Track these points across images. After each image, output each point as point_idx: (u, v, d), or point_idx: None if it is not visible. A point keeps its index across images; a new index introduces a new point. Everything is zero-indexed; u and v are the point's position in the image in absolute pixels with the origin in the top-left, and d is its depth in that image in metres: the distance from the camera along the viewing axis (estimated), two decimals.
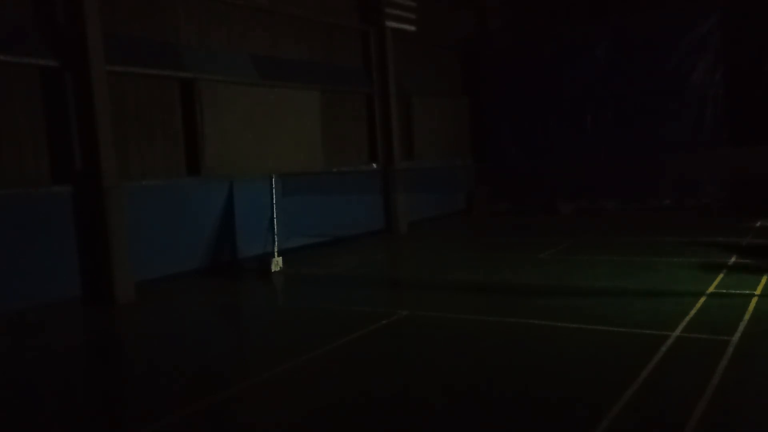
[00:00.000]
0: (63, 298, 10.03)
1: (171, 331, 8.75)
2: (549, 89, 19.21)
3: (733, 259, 10.66)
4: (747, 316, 7.30)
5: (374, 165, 16.94)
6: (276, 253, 12.22)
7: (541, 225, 17.20)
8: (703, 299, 8.22)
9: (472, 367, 6.40)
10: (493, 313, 8.34)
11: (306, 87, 14.66)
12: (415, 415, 5.32)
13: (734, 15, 16.98)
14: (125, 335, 9.10)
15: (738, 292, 8.51)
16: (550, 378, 5.93)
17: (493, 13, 21.48)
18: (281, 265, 12.19)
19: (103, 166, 10.18)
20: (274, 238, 12.27)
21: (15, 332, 8.88)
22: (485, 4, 21.26)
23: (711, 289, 8.73)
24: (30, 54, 9.91)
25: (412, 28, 17.68)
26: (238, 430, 5.43)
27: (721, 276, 9.45)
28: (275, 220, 12.31)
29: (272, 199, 12.30)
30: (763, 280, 8.95)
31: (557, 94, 19.13)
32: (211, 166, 12.36)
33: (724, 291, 8.64)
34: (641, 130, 17.96)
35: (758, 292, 8.42)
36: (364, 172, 16.57)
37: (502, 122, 20.23)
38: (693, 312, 7.64)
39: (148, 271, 10.96)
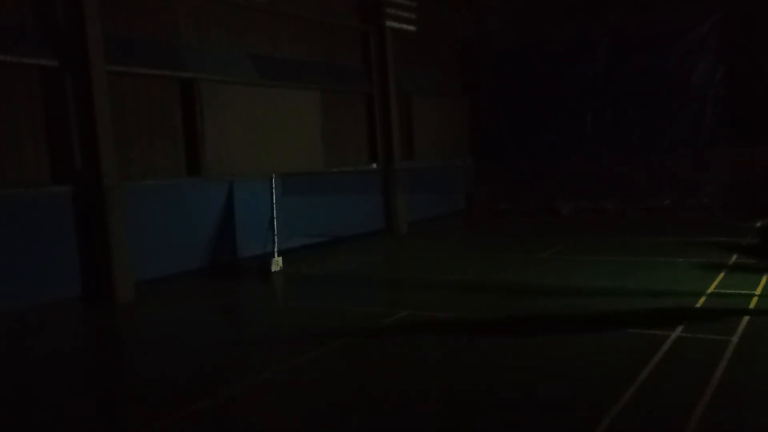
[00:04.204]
0: (63, 298, 10.04)
1: (171, 330, 8.74)
2: (549, 89, 19.20)
3: (733, 259, 10.66)
4: (747, 316, 7.29)
5: (374, 165, 16.94)
6: (276, 253, 12.22)
7: (541, 225, 17.20)
8: (703, 299, 8.22)
9: (472, 367, 6.40)
10: (493, 313, 8.34)
11: (306, 87, 14.66)
12: (415, 415, 5.32)
13: (734, 15, 16.98)
14: (125, 335, 9.10)
15: (738, 292, 8.51)
16: (550, 377, 5.93)
17: (493, 13, 21.49)
18: (281, 265, 12.19)
19: (103, 166, 10.18)
20: (274, 238, 12.26)
21: (15, 332, 8.88)
22: (485, 4, 21.26)
23: (711, 289, 8.72)
24: (30, 54, 9.91)
25: (412, 27, 17.69)
26: (237, 431, 5.43)
27: (721, 276, 9.44)
28: (275, 220, 12.31)
29: (272, 199, 12.30)
30: (763, 280, 8.94)
31: (557, 94, 19.12)
32: (211, 166, 12.36)
33: (724, 291, 8.64)
34: (641, 130, 17.98)
35: (758, 292, 8.41)
36: (364, 172, 16.57)
37: (502, 122, 20.23)
38: (693, 312, 7.63)
39: (147, 270, 10.96)
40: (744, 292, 8.44)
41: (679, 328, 6.98)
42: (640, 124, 17.99)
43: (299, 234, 13.47)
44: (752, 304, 7.86)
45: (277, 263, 12.17)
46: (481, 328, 7.79)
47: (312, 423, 5.30)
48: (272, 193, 12.31)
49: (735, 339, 6.51)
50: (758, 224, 14.16)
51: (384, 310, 8.91)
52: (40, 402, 6.17)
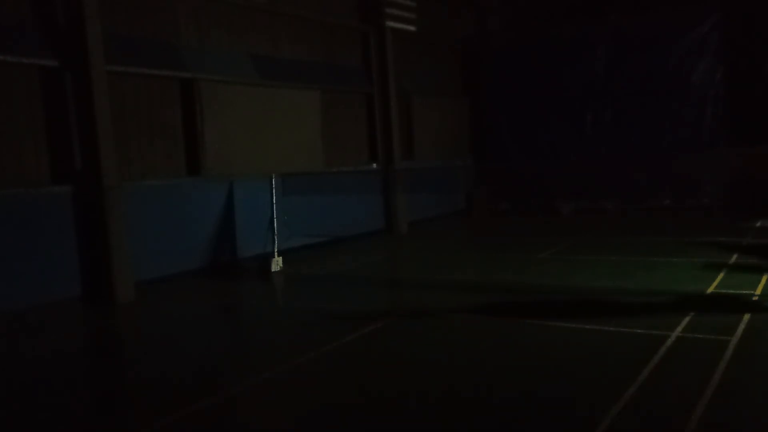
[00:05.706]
0: (63, 298, 10.03)
1: (171, 331, 8.74)
2: (549, 89, 19.20)
3: (733, 259, 10.66)
4: (747, 316, 7.29)
5: (374, 165, 16.94)
6: (276, 253, 12.22)
7: (541, 225, 17.20)
8: (703, 299, 8.21)
9: (472, 367, 6.40)
10: (494, 313, 8.34)
11: (306, 87, 14.66)
12: (415, 415, 5.32)
13: (734, 15, 16.98)
14: (125, 335, 9.10)
15: (738, 292, 8.51)
16: (550, 378, 5.93)
17: (493, 13, 21.49)
18: (281, 265, 12.18)
19: (103, 165, 10.18)
20: (274, 238, 12.27)
21: (15, 332, 8.88)
22: (485, 4, 21.26)
23: (711, 288, 8.72)
24: (30, 54, 9.91)
25: (412, 28, 17.68)
26: (237, 431, 5.43)
27: (721, 276, 9.44)
28: (275, 220, 12.32)
29: (272, 199, 12.30)
30: (763, 280, 8.94)
31: (557, 94, 19.12)
32: (211, 166, 12.36)
33: (724, 291, 8.64)
34: (641, 130, 17.97)
35: (758, 292, 8.41)
36: (364, 172, 16.57)
37: (501, 122, 20.23)
38: (693, 312, 7.64)
39: (148, 271, 10.96)
40: (744, 292, 8.44)
41: (679, 328, 6.98)
42: (640, 124, 17.99)
43: (299, 234, 13.46)
44: (752, 304, 7.86)
45: (277, 263, 12.17)
46: (481, 328, 7.79)
47: (312, 423, 5.30)
48: (272, 193, 12.31)
49: (735, 339, 6.51)
50: (758, 224, 14.18)
51: (384, 310, 8.90)
52: (40, 402, 6.17)
